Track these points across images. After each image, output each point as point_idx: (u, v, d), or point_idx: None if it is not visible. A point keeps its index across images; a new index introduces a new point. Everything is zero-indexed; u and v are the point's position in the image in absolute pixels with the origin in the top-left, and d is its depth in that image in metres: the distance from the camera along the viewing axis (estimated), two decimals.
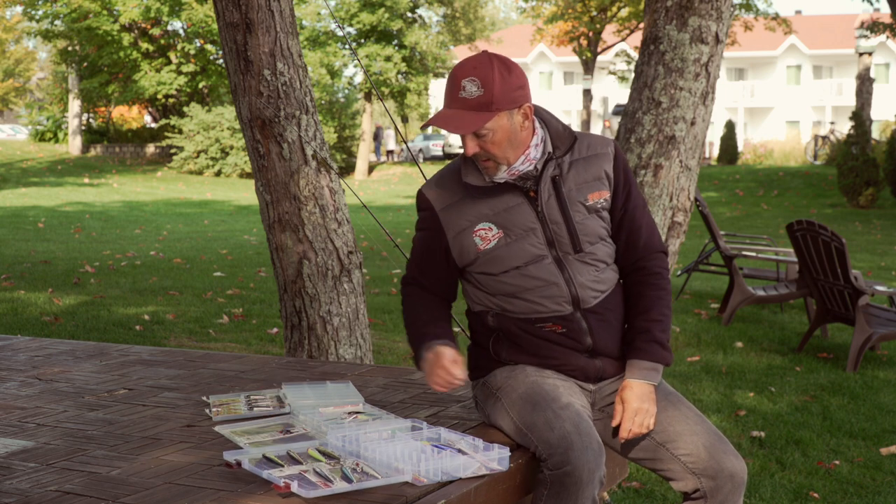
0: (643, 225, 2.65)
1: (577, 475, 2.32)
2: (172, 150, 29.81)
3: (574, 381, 2.62)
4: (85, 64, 30.84)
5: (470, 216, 2.58)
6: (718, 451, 2.51)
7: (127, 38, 29.68)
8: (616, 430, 2.59)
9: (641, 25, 12.29)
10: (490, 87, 2.44)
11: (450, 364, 2.52)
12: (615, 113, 36.88)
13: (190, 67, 30.11)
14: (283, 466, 2.23)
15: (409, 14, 31.37)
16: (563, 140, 2.60)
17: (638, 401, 2.54)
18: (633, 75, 4.33)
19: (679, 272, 9.41)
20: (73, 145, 31.55)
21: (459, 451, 2.33)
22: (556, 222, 2.56)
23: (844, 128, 34.35)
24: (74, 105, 31.07)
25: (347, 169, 31.40)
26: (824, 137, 28.18)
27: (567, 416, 2.42)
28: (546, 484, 2.36)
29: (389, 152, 40.62)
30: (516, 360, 2.62)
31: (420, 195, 2.67)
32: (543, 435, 2.40)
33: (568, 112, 47.43)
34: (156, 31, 30.10)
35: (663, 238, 6.05)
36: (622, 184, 2.63)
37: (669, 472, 2.56)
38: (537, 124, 2.60)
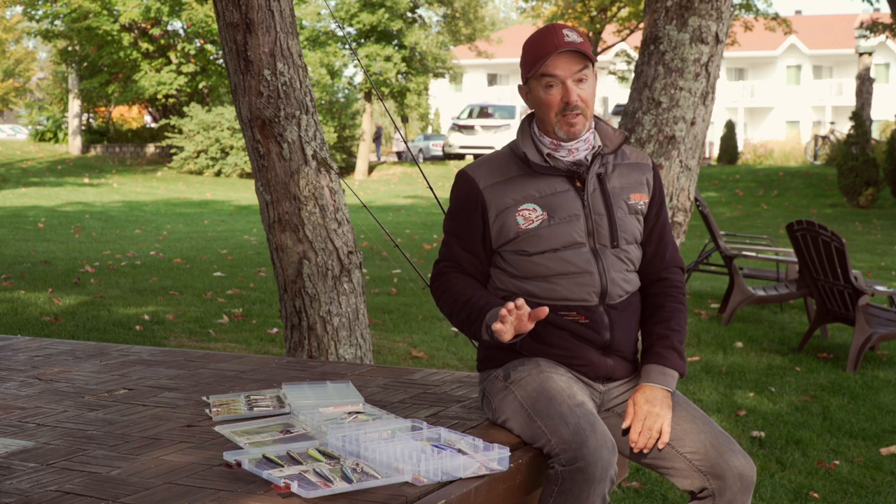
0: (670, 239, 2.75)
1: (591, 471, 2.31)
2: (172, 150, 29.80)
3: (584, 380, 2.62)
4: (85, 64, 30.83)
5: (516, 195, 2.61)
6: (726, 450, 2.51)
7: (127, 38, 29.67)
8: (627, 432, 2.59)
9: (641, 25, 12.29)
10: (586, 39, 2.59)
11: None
12: (615, 113, 36.88)
13: (190, 67, 30.10)
14: (283, 466, 2.23)
15: (409, 14, 31.35)
16: (612, 140, 2.69)
17: (648, 404, 2.54)
18: (633, 75, 4.33)
19: None
20: (73, 145, 31.54)
21: (459, 451, 2.33)
22: (599, 213, 2.61)
23: (844, 128, 34.35)
24: (74, 105, 31.06)
25: (347, 169, 31.39)
26: (824, 137, 28.17)
27: (582, 412, 2.43)
28: (556, 480, 2.36)
29: (398, 153, 40.62)
30: (530, 351, 2.62)
31: (462, 174, 2.68)
32: (558, 429, 2.40)
33: None
34: (156, 31, 30.08)
35: None
36: (657, 195, 2.72)
37: (674, 470, 2.56)
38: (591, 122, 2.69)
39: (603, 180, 2.64)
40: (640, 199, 2.68)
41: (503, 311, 2.40)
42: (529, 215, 2.59)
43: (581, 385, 2.61)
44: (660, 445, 2.54)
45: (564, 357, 2.61)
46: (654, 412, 2.54)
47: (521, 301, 2.41)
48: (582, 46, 2.55)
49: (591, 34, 32.25)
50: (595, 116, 2.69)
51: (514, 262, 2.63)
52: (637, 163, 2.71)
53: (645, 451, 2.57)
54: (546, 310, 2.42)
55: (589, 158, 2.64)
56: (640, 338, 2.73)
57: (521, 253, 2.61)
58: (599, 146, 2.66)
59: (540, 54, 2.56)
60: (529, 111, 2.71)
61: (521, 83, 2.68)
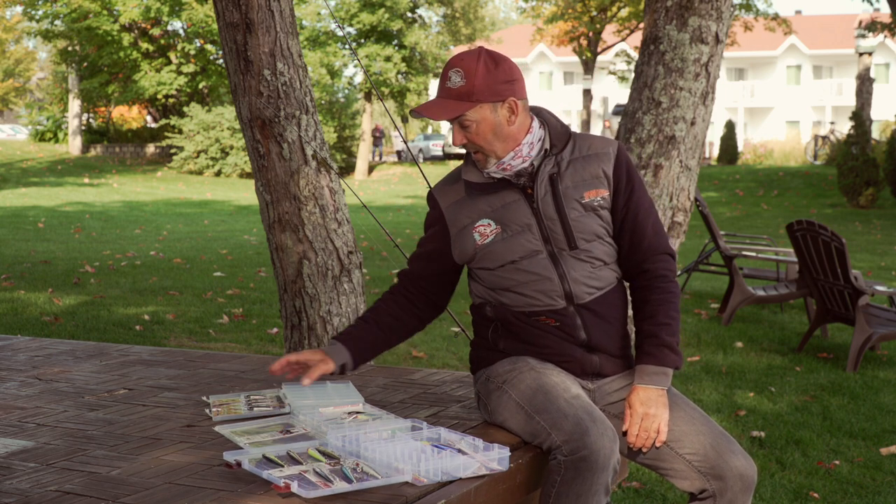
0: (648, 226, 2.64)
1: (594, 459, 2.31)
2: (172, 150, 29.81)
3: (573, 377, 2.62)
4: (85, 64, 30.84)
5: (471, 213, 2.63)
6: (726, 451, 2.50)
7: (127, 38, 29.68)
8: (621, 427, 2.58)
9: (641, 25, 12.28)
10: (472, 78, 2.50)
11: (304, 358, 2.68)
12: (615, 113, 36.88)
13: (190, 67, 30.11)
14: (283, 466, 2.23)
15: (409, 14, 31.36)
16: (560, 138, 2.63)
17: (643, 406, 2.53)
18: (633, 75, 4.33)
19: (679, 272, 9.41)
20: (73, 145, 31.55)
21: (459, 451, 2.33)
22: (551, 218, 2.58)
23: (844, 128, 34.34)
24: (74, 105, 31.07)
25: (347, 169, 31.39)
26: (824, 137, 28.17)
27: (579, 404, 2.43)
28: (559, 470, 2.35)
29: (398, 153, 40.61)
30: (514, 350, 2.63)
31: (429, 194, 2.77)
32: (558, 422, 2.40)
33: (568, 112, 47.43)
34: (156, 31, 30.10)
35: None
36: (623, 184, 2.62)
37: (673, 471, 2.55)
38: (536, 124, 2.62)
39: (555, 181, 2.59)
40: (597, 195, 2.60)
41: (290, 358, 2.69)
42: (485, 230, 2.61)
43: (573, 379, 2.60)
44: (657, 444, 2.54)
45: (550, 355, 2.61)
46: (650, 413, 2.53)
47: (303, 358, 2.68)
48: (457, 93, 2.51)
49: (591, 34, 32.27)
50: (545, 119, 2.64)
51: (482, 276, 2.67)
52: (595, 154, 2.62)
53: (644, 450, 2.56)
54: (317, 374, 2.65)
55: (536, 164, 2.60)
56: (629, 333, 2.72)
57: (484, 269, 2.64)
58: (547, 148, 2.61)
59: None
60: None
61: None
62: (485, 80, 2.50)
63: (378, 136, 38.75)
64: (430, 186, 4.29)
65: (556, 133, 2.63)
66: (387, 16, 29.83)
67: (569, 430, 2.36)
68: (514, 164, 2.58)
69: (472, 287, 2.73)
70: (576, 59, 33.70)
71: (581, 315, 2.58)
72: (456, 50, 37.51)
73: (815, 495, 4.20)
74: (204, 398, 2.95)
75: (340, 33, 30.56)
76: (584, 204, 2.59)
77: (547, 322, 2.59)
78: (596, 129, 38.66)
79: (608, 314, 2.61)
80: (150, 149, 32.22)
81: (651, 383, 2.55)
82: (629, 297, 2.71)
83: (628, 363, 2.68)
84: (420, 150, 37.59)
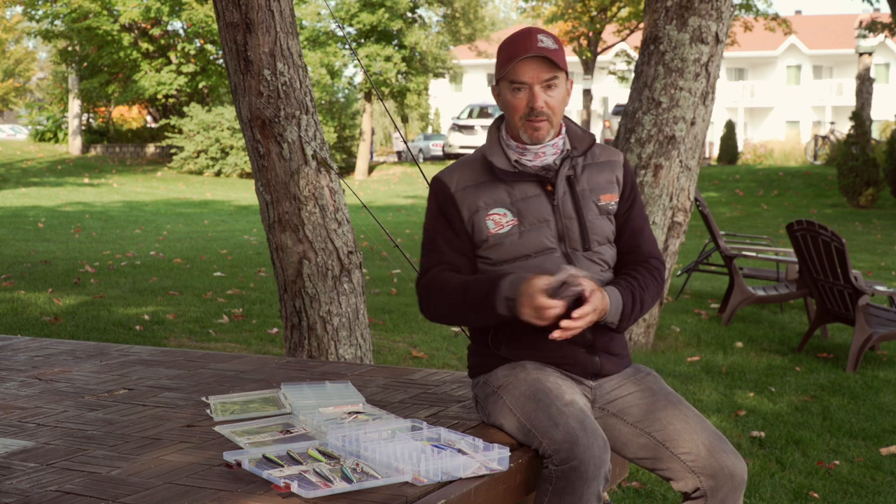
0: (646, 233, 2.72)
1: (583, 470, 2.32)
2: (172, 150, 29.80)
3: (574, 378, 2.63)
4: (85, 64, 30.82)
5: (487, 199, 2.62)
6: (718, 451, 2.52)
7: (127, 38, 29.67)
8: (623, 430, 2.62)
9: (641, 25, 12.28)
10: (560, 46, 2.57)
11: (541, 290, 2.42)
12: (615, 113, 36.87)
13: (190, 67, 30.10)
14: (283, 466, 2.23)
15: (409, 14, 31.35)
16: (581, 141, 2.68)
17: (598, 311, 2.48)
18: (633, 75, 4.33)
19: (679, 272, 9.41)
20: (73, 145, 31.54)
21: (459, 451, 2.33)
22: (569, 217, 2.61)
23: (844, 128, 34.34)
24: (74, 105, 31.05)
25: (347, 169, 31.40)
26: (824, 137, 28.17)
27: (571, 412, 2.43)
28: (551, 480, 2.37)
29: (398, 153, 40.60)
30: (515, 355, 2.63)
31: (435, 180, 2.69)
32: (548, 431, 2.41)
33: (568, 112, 47.41)
34: (156, 31, 30.09)
35: (663, 238, 6.06)
36: (629, 192, 2.71)
37: (669, 471, 2.57)
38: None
39: (572, 183, 2.63)
40: (611, 200, 2.67)
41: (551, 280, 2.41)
42: (500, 220, 2.60)
43: (571, 383, 2.61)
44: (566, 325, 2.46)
45: (552, 358, 2.62)
46: (594, 318, 2.48)
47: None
48: (553, 54, 2.54)
49: (591, 34, 32.26)
50: (565, 118, 2.70)
51: (483, 270, 2.64)
52: (607, 161, 2.70)
53: (635, 446, 2.58)
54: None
55: (558, 162, 2.64)
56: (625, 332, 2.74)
57: (486, 260, 2.62)
58: (568, 149, 2.66)
59: (510, 57, 2.56)
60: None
61: (494, 84, 2.68)
62: (564, 53, 2.57)
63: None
64: (429, 186, 4.30)
65: (577, 136, 2.69)
66: (387, 16, 29.82)
67: (559, 440, 2.38)
68: (547, 153, 2.62)
69: None
70: (576, 59, 33.72)
71: None
72: (456, 50, 37.53)
73: (815, 495, 4.20)
74: (204, 398, 2.95)
75: (340, 33, 30.56)
76: (599, 207, 2.65)
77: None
78: (596, 129, 38.65)
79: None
80: (150, 149, 32.21)
81: (613, 307, 2.54)
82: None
83: (627, 362, 2.72)
84: (420, 150, 37.58)
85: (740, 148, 32.55)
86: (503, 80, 2.59)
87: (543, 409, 2.46)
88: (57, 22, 30.19)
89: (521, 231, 2.59)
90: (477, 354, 2.72)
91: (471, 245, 2.64)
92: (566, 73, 2.58)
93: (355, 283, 4.26)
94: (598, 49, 33.43)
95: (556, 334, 2.45)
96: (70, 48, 30.69)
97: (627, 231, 2.69)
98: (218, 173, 28.84)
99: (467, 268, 2.65)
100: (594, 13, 31.30)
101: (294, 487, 2.11)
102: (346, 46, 30.15)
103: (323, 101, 31.63)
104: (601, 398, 2.66)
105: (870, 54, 23.48)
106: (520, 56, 2.54)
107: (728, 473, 2.50)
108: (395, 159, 39.47)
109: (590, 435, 2.37)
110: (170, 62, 30.47)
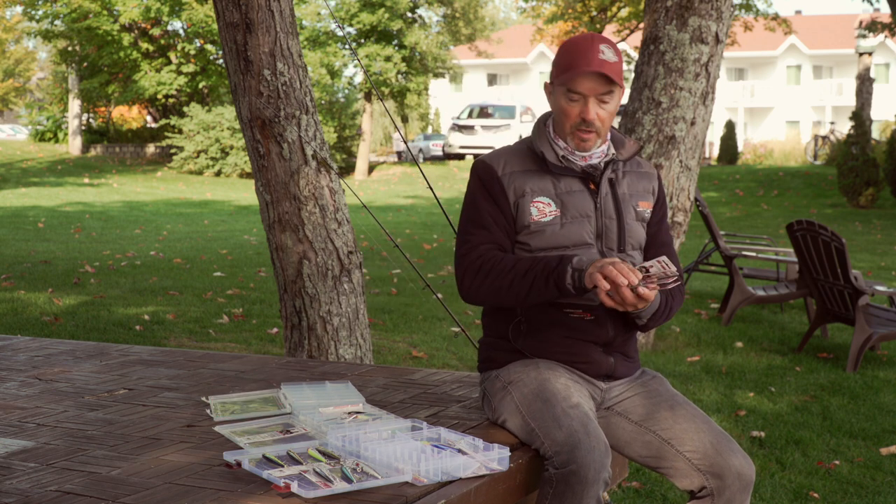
0: (672, 249, 2.78)
1: (583, 474, 2.33)
2: (172, 150, 29.79)
3: (586, 379, 2.64)
4: (85, 64, 30.82)
5: (533, 186, 2.63)
6: (726, 450, 2.53)
7: (127, 38, 29.67)
8: (627, 432, 2.64)
9: (641, 25, 12.28)
10: (620, 58, 2.59)
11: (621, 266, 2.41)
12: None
13: (190, 67, 30.09)
14: (283, 466, 2.23)
15: (409, 14, 31.34)
16: (626, 148, 2.72)
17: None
18: (633, 75, 4.33)
19: None
20: (73, 145, 31.54)
21: (459, 451, 2.33)
22: (609, 217, 2.65)
23: (844, 128, 34.34)
24: (74, 105, 31.05)
25: (347, 169, 31.39)
26: (824, 137, 28.17)
27: (576, 415, 2.44)
28: (551, 483, 2.37)
29: (399, 153, 40.58)
30: (532, 349, 2.65)
31: (479, 162, 2.69)
32: (551, 432, 2.42)
33: None
34: (156, 31, 30.08)
35: None
36: (660, 205, 2.77)
37: (673, 469, 2.57)
38: None
39: (614, 185, 2.68)
40: (647, 208, 2.73)
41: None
42: (544, 208, 2.62)
43: (581, 385, 2.62)
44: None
45: (567, 355, 2.63)
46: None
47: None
48: (613, 68, 2.55)
49: None
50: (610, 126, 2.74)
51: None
52: (646, 172, 2.76)
53: (638, 444, 2.61)
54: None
55: (603, 164, 2.67)
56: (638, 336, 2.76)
57: (523, 246, 2.63)
58: (613, 154, 2.70)
59: (571, 65, 2.56)
60: (535, 110, 2.73)
61: (548, 81, 2.69)
62: (622, 64, 2.59)
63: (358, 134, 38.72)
64: (430, 187, 4.31)
65: (621, 142, 2.73)
66: (387, 16, 29.81)
67: (560, 441, 2.39)
68: (593, 155, 2.65)
69: None
70: None
71: (611, 314, 2.64)
72: (456, 50, 37.51)
73: (815, 495, 4.20)
74: (204, 398, 2.95)
75: (340, 33, 30.55)
76: (637, 212, 2.70)
77: (581, 317, 2.61)
78: None
79: (630, 319, 2.68)
80: (150, 149, 32.21)
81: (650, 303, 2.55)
82: None
83: (637, 366, 2.76)
84: (420, 150, 37.57)
85: (740, 148, 32.55)
86: (560, 84, 2.60)
87: (549, 408, 2.47)
88: (57, 22, 30.18)
89: (562, 222, 2.61)
90: (490, 348, 2.73)
91: (513, 228, 2.65)
92: (622, 86, 2.61)
93: (355, 283, 4.26)
94: None
95: (611, 300, 2.43)
96: (70, 48, 30.69)
97: (657, 243, 2.74)
98: (218, 173, 28.84)
99: (511, 250, 2.66)
100: (594, 13, 31.29)
101: (294, 487, 2.11)
102: (346, 46, 30.15)
103: (323, 101, 31.62)
104: (608, 400, 2.68)
105: (870, 54, 23.47)
106: (581, 69, 2.54)
107: (736, 473, 2.51)
108: (395, 159, 39.46)
109: (592, 439, 2.37)
110: (170, 62, 30.46)
